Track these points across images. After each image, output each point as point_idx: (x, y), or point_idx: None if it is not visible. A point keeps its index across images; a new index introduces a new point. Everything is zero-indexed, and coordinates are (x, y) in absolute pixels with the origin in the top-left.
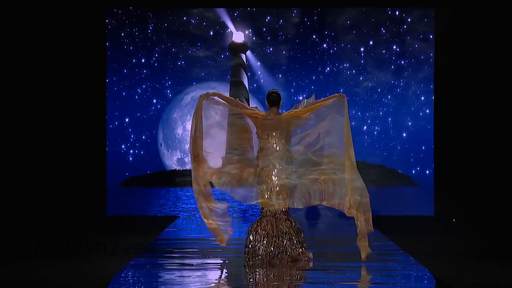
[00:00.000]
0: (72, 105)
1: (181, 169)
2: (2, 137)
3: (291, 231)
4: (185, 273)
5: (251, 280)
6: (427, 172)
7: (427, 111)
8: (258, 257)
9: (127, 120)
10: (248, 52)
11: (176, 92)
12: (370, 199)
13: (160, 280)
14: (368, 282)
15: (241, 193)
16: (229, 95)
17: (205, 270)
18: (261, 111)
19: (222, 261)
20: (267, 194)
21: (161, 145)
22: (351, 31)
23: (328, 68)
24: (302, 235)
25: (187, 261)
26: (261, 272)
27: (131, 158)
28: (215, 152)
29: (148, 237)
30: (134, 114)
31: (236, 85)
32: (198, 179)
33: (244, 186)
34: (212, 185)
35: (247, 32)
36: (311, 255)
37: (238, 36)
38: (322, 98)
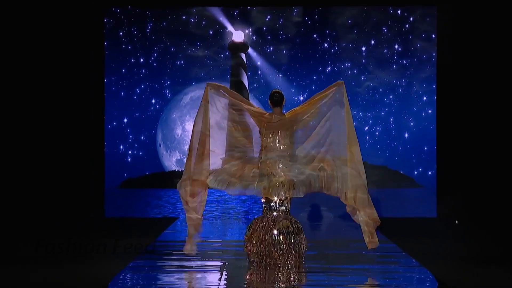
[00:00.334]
0: (70, 105)
1: (180, 170)
2: None
3: (291, 231)
4: (184, 275)
5: (251, 282)
6: (430, 173)
7: (430, 111)
8: (258, 258)
9: (125, 120)
10: (248, 52)
11: (175, 92)
12: (372, 200)
13: (159, 282)
14: (370, 284)
15: (238, 187)
16: None
17: (205, 272)
18: (265, 111)
19: (221, 263)
20: (268, 184)
21: (160, 146)
22: (353, 30)
23: (329, 68)
24: (303, 236)
25: (186, 263)
26: (261, 274)
27: (129, 159)
28: (218, 151)
29: (147, 239)
30: (133, 114)
31: (236, 85)
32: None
33: (246, 181)
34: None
35: (247, 31)
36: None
37: (238, 35)
38: (321, 91)
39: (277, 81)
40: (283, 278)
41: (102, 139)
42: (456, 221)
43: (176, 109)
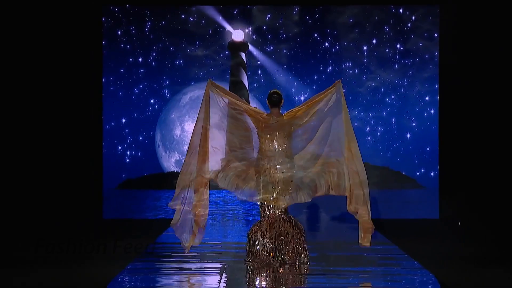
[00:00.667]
0: (67, 105)
1: (179, 171)
2: None
3: (291, 233)
4: (184, 278)
5: (251, 284)
6: (432, 174)
7: (432, 111)
8: (258, 260)
9: (124, 120)
10: (248, 51)
11: (174, 92)
12: (373, 201)
13: (158, 285)
14: (372, 287)
15: (246, 192)
16: None
17: (204, 274)
18: (263, 112)
19: (221, 266)
20: (271, 190)
21: (158, 147)
22: (354, 30)
23: (330, 68)
24: (303, 237)
25: (185, 266)
26: (261, 276)
27: (128, 160)
28: (220, 149)
29: (145, 240)
30: (131, 114)
31: (235, 85)
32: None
33: (249, 183)
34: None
35: (247, 30)
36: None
37: (237, 34)
38: (319, 93)
39: (278, 80)
40: (283, 280)
41: (100, 139)
42: (459, 223)
43: (175, 109)
